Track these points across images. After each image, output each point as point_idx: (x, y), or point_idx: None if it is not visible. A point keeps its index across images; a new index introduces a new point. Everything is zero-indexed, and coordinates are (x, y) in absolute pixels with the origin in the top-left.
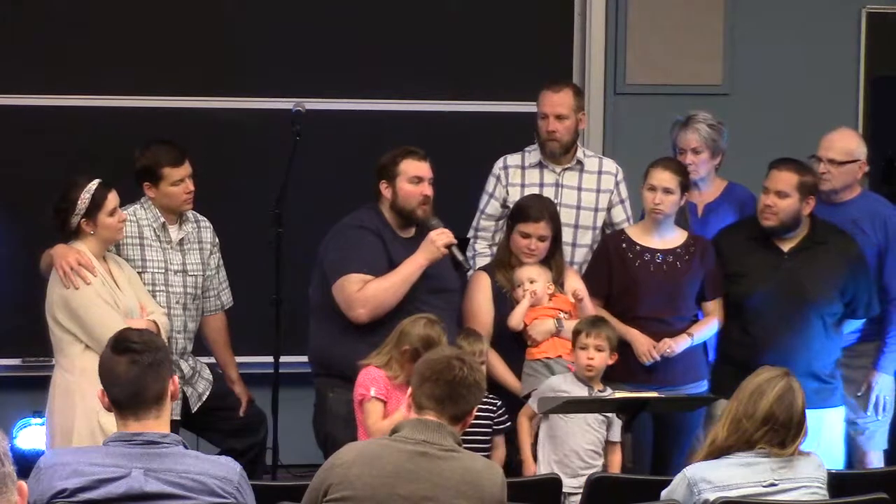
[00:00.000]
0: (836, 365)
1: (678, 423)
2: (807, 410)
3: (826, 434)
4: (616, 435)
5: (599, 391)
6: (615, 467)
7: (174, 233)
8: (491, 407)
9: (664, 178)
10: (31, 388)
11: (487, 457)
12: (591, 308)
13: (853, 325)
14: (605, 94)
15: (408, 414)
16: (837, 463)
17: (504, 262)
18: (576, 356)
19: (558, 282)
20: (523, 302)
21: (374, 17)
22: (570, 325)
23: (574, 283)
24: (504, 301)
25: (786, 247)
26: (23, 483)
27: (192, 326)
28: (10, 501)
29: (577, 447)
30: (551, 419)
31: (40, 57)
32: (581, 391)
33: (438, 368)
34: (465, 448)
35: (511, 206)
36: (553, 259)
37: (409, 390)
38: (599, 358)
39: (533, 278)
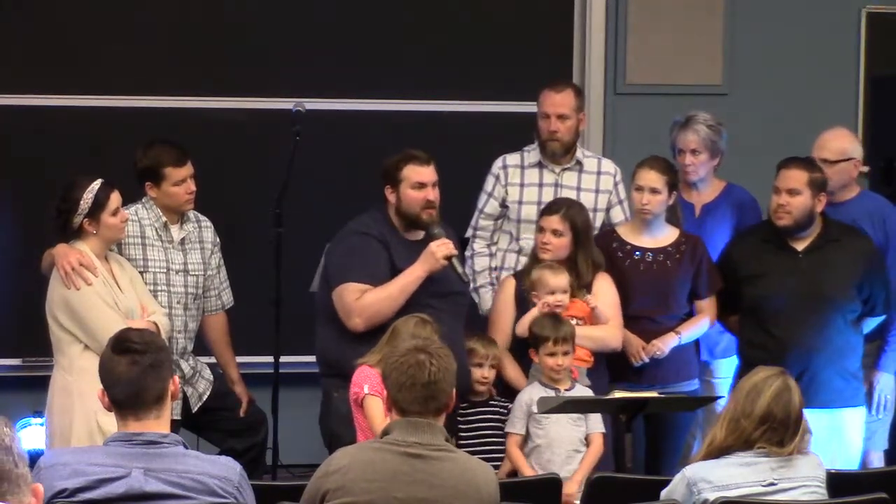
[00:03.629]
0: (860, 364)
1: (670, 419)
2: (829, 410)
3: (846, 434)
4: (594, 427)
5: (566, 390)
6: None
7: (175, 232)
8: (503, 410)
9: (650, 177)
10: (31, 388)
11: (502, 459)
12: (605, 316)
13: (873, 323)
14: (605, 94)
15: (390, 416)
16: (853, 463)
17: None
18: (542, 361)
19: (583, 285)
20: (533, 311)
21: (375, 18)
22: (580, 330)
23: (599, 288)
24: (528, 306)
25: (800, 246)
26: (38, 486)
27: (193, 326)
28: (23, 503)
29: (558, 451)
30: (531, 433)
31: (41, 57)
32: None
33: (411, 373)
34: (481, 451)
35: (510, 205)
36: (576, 261)
37: (386, 394)
38: (567, 360)
39: (553, 289)
